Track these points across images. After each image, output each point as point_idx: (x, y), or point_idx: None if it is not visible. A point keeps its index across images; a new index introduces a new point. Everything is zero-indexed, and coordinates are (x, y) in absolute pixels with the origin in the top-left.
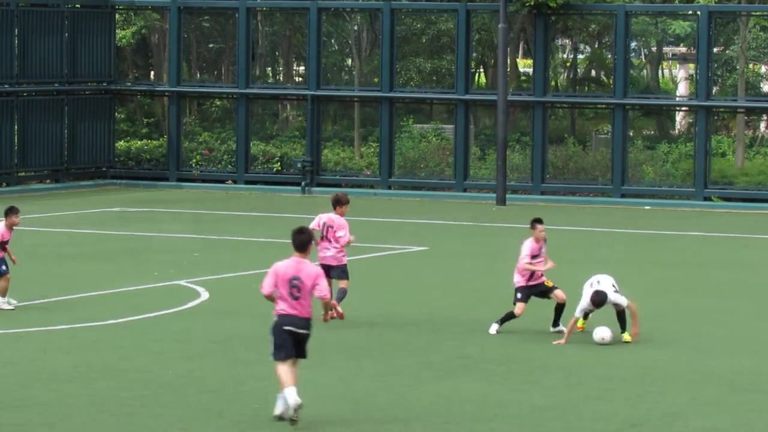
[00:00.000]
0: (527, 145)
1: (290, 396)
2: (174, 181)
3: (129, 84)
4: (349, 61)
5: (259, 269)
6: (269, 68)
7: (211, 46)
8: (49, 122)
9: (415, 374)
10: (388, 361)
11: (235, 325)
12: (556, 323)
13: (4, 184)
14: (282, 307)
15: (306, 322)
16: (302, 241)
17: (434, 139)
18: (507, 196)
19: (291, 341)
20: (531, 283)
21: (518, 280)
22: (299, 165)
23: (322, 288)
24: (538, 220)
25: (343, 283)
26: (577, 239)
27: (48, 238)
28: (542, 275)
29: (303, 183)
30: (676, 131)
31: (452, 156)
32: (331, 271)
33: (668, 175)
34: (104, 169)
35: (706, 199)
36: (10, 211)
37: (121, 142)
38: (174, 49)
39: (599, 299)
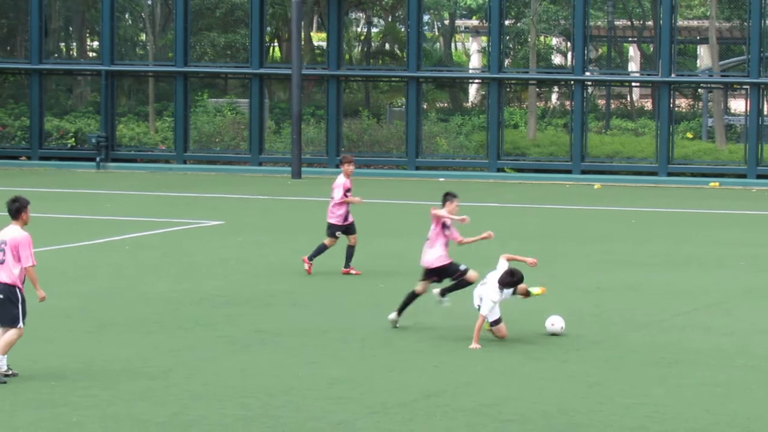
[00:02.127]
0: (322, 119)
1: None
2: None
3: None
4: (143, 36)
5: (56, 245)
6: (63, 44)
7: (2, 21)
8: None
9: (212, 348)
10: (184, 337)
11: (29, 303)
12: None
13: None
14: None
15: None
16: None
17: (229, 113)
18: (302, 169)
19: None
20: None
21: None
22: (94, 140)
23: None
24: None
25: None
26: (373, 212)
27: None
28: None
29: (98, 158)
30: (470, 104)
31: (247, 130)
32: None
33: (462, 147)
34: None
35: (499, 170)
36: None
37: None
38: None
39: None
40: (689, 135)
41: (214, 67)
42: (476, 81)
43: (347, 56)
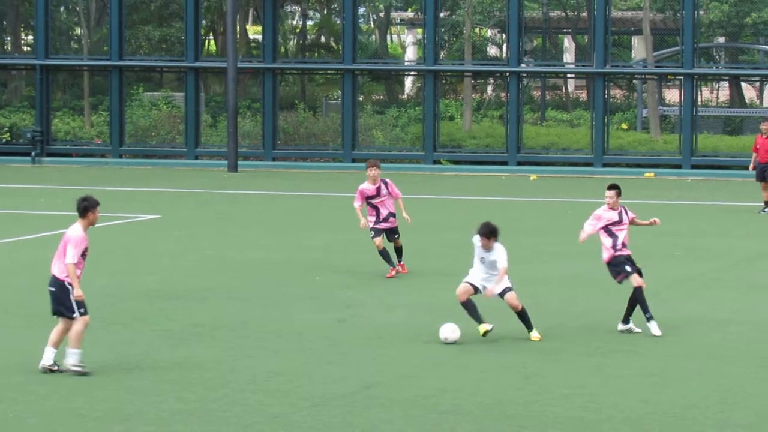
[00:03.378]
0: (258, 112)
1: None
2: None
3: None
4: (78, 30)
5: None
6: None
7: None
8: None
9: (149, 343)
10: (120, 332)
11: None
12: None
13: None
14: None
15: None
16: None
17: (165, 107)
18: (239, 162)
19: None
20: None
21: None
22: (29, 135)
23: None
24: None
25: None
26: (309, 205)
27: None
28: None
29: (33, 153)
30: (406, 96)
31: (183, 124)
32: None
33: (398, 140)
34: None
35: (435, 162)
36: None
37: None
38: None
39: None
40: (624, 126)
41: (150, 60)
42: (412, 73)
43: (283, 49)
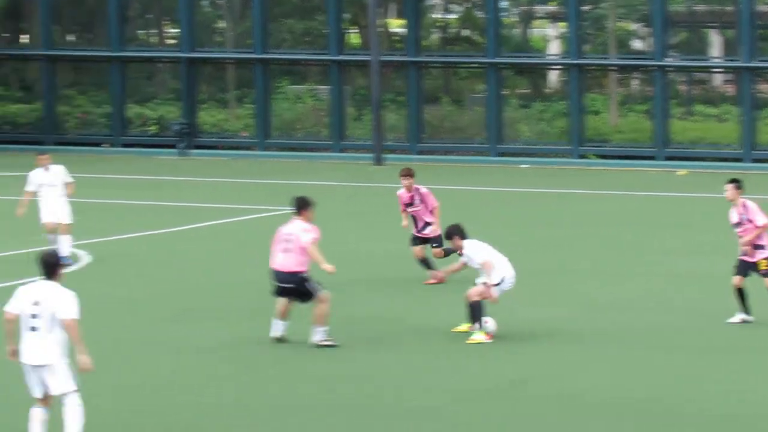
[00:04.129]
0: (402, 105)
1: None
2: (50, 144)
3: (1, 48)
4: (222, 23)
5: (139, 232)
6: (142, 31)
7: (82, 9)
8: None
9: (303, 334)
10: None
11: (112, 290)
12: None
13: None
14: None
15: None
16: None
17: (310, 100)
18: (383, 156)
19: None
20: None
21: None
22: (176, 128)
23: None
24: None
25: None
26: (455, 199)
27: None
28: None
29: (180, 145)
30: (550, 90)
31: (328, 117)
32: None
33: (544, 134)
34: None
35: (581, 156)
36: None
37: None
38: (45, 12)
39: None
40: None
41: (293, 53)
42: (556, 67)
43: (425, 42)
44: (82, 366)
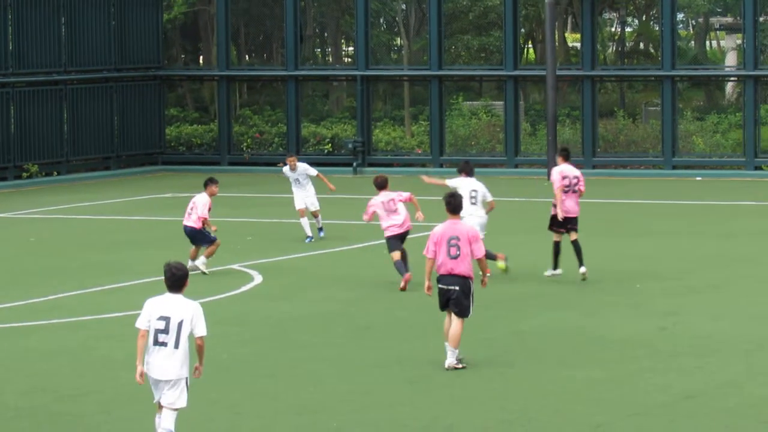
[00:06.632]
0: (577, 120)
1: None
2: (225, 165)
3: (178, 69)
4: (398, 40)
5: (311, 251)
6: (318, 50)
7: (259, 29)
8: (99, 110)
9: (473, 352)
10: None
11: (288, 309)
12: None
13: (56, 172)
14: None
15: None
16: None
17: (484, 116)
18: None
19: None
20: None
21: None
22: (350, 146)
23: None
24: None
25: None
26: (630, 212)
27: (100, 225)
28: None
29: (354, 163)
30: (726, 101)
31: (503, 132)
32: None
33: (718, 146)
34: (155, 155)
35: (756, 168)
36: (210, 182)
37: (171, 128)
38: (222, 32)
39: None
40: None
41: (469, 69)
42: (732, 78)
43: (601, 56)
44: (196, 376)
